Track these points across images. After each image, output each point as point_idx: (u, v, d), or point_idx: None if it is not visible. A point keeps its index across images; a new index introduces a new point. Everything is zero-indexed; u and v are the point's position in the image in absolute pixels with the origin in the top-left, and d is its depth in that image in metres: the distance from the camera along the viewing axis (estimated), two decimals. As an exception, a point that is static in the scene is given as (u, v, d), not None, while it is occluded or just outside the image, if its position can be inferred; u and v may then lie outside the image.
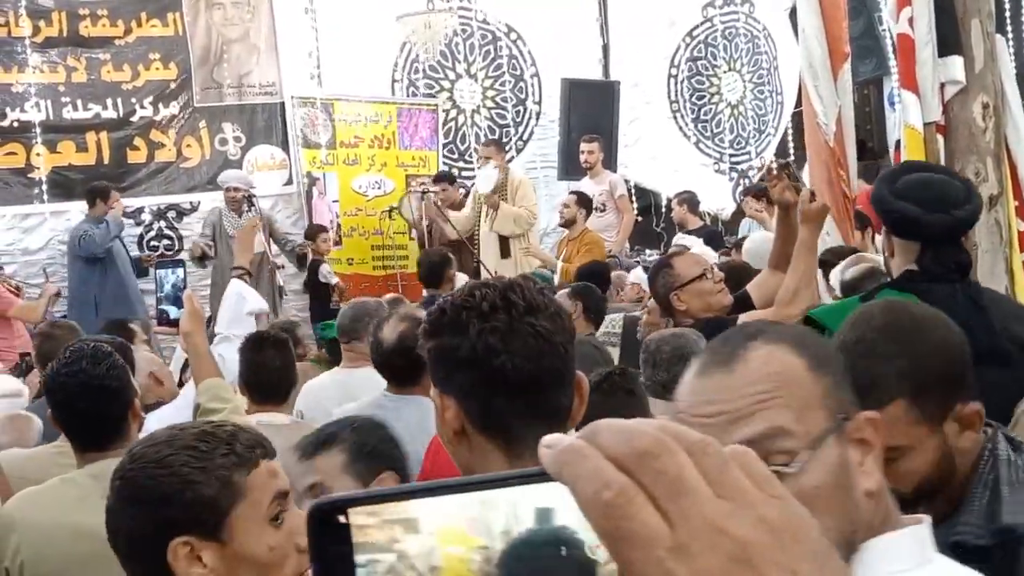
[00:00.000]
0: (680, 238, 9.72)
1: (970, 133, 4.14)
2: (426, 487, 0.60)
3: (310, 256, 9.86)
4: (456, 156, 11.49)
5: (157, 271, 3.76)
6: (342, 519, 0.59)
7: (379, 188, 10.84)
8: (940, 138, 4.17)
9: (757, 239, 6.91)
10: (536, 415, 1.77)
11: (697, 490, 0.56)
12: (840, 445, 1.26)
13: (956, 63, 4.15)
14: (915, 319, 1.97)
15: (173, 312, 3.68)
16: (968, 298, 2.91)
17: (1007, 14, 11.47)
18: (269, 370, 4.19)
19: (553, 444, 0.59)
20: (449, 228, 9.72)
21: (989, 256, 4.02)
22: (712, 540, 0.55)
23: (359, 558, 0.59)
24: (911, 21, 4.21)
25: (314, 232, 10.02)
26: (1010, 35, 11.45)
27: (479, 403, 1.79)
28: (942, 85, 4.18)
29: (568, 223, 9.61)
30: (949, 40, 4.17)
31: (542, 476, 0.59)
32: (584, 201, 9.69)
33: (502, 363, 1.75)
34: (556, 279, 8.58)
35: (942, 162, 4.12)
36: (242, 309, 5.22)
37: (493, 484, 0.60)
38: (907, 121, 4.18)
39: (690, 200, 10.75)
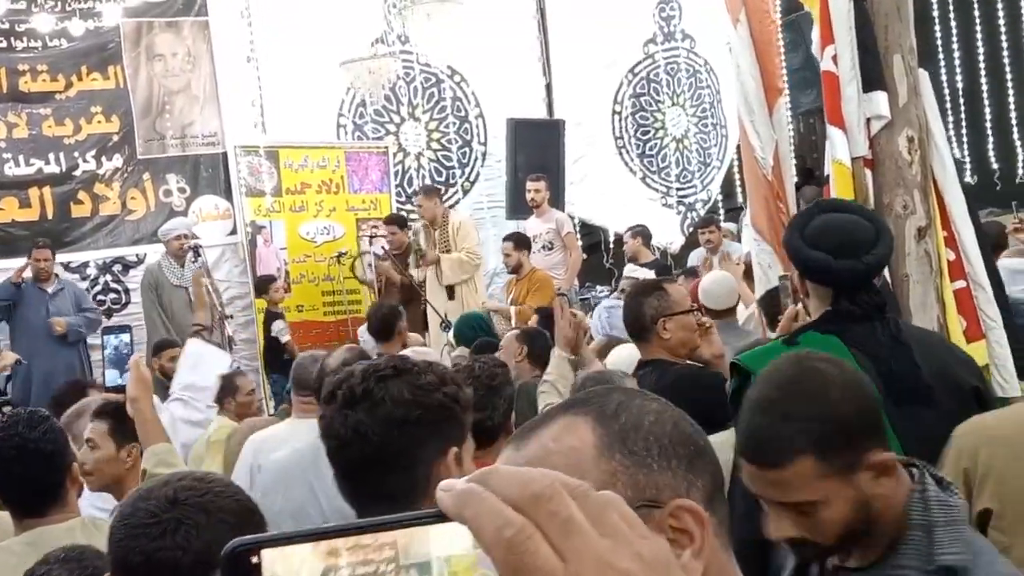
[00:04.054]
0: (631, 270, 9.77)
1: (897, 166, 4.20)
2: (334, 529, 0.66)
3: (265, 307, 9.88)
4: (404, 199, 11.51)
5: (103, 336, 3.72)
6: (254, 560, 0.64)
7: (328, 233, 10.83)
8: (868, 172, 4.24)
9: (712, 279, 6.90)
10: (365, 496, 1.88)
11: (585, 530, 0.65)
12: None
13: (880, 98, 4.22)
14: (819, 373, 1.95)
15: (114, 377, 3.63)
16: (889, 336, 2.95)
17: (938, 42, 11.71)
18: None
19: (449, 488, 0.66)
20: (398, 275, 9.76)
21: (920, 287, 4.08)
22: (600, 572, 0.64)
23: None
24: (835, 58, 4.29)
25: (264, 283, 9.99)
26: (942, 64, 11.69)
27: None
28: (868, 120, 4.26)
29: (515, 269, 9.67)
30: (873, 76, 4.25)
31: (440, 517, 0.65)
32: (522, 242, 9.75)
33: (327, 449, 1.92)
34: (513, 322, 8.65)
35: (870, 196, 4.19)
36: (200, 370, 5.17)
37: (399, 524, 0.66)
38: (835, 156, 4.24)
39: (644, 233, 10.89)
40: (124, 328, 3.63)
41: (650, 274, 9.55)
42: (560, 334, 4.64)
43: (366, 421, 1.85)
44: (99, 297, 10.31)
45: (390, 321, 6.88)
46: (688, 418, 1.23)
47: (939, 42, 11.66)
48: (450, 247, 9.96)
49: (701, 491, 1.16)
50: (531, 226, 10.46)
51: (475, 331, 7.09)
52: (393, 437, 1.86)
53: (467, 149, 11.97)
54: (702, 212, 12.57)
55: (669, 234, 12.41)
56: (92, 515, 3.36)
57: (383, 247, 9.95)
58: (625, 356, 4.93)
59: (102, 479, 3.77)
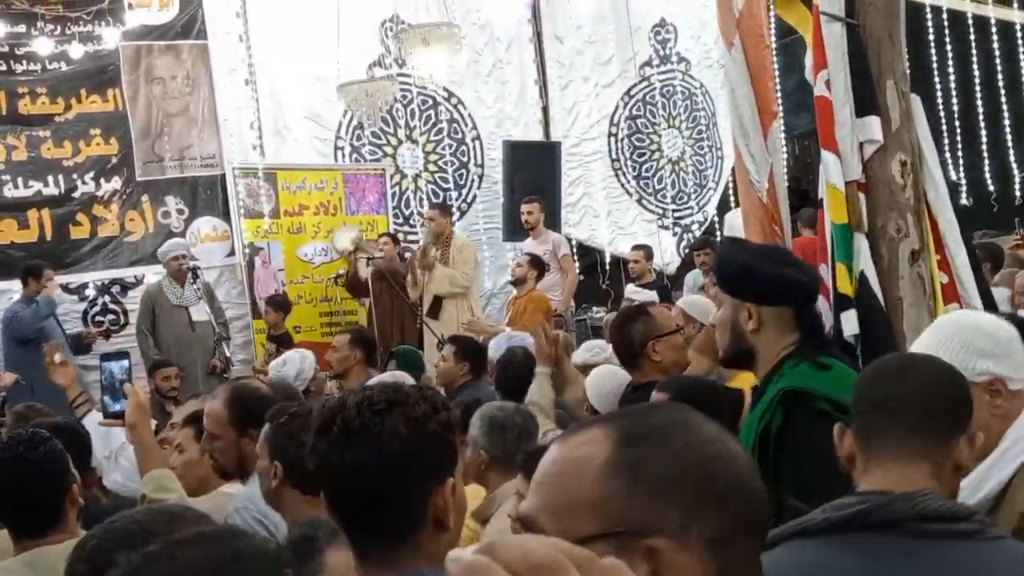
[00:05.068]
0: (632, 291, 9.78)
1: (890, 190, 4.23)
2: None
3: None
4: (401, 220, 11.55)
5: (102, 363, 3.72)
6: None
7: (325, 255, 10.88)
8: (862, 196, 4.28)
9: (687, 298, 6.96)
10: (360, 531, 1.84)
11: None
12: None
13: (873, 123, 4.25)
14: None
15: (111, 402, 3.62)
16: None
17: (934, 65, 11.76)
18: None
19: (457, 559, 0.67)
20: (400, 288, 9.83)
21: (914, 310, 4.11)
22: None
23: None
24: (828, 83, 4.33)
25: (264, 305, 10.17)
26: (938, 87, 11.75)
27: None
28: (861, 144, 4.29)
29: (518, 281, 9.70)
30: (866, 101, 4.28)
31: None
32: (537, 264, 9.79)
33: (321, 485, 1.88)
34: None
35: (864, 219, 4.23)
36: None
37: None
38: (828, 180, 4.28)
39: (651, 253, 11.08)
40: (123, 354, 3.63)
41: (652, 295, 9.58)
42: (538, 350, 4.73)
43: (363, 458, 1.80)
44: (97, 318, 10.35)
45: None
46: (725, 458, 1.20)
47: (935, 65, 11.71)
48: (448, 265, 10.00)
49: (712, 531, 1.14)
50: (527, 248, 10.49)
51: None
52: (391, 473, 1.80)
53: (464, 171, 12.01)
54: (698, 233, 12.62)
55: (666, 255, 12.44)
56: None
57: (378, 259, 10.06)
58: (600, 380, 4.96)
59: (187, 481, 3.88)
